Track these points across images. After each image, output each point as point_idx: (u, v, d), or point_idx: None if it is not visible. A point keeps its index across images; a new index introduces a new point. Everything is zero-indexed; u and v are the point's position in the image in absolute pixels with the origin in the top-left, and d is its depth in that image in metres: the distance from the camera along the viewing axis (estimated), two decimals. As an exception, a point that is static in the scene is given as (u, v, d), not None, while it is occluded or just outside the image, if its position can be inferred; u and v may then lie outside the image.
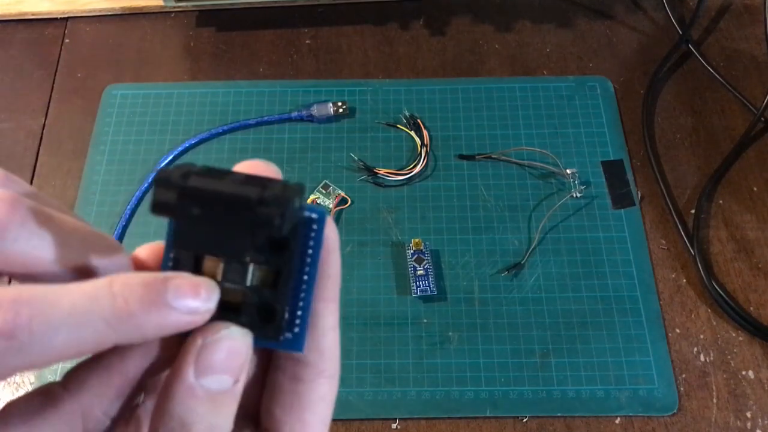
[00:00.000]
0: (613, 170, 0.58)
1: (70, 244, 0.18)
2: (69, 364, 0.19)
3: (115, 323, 0.17)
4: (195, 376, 0.18)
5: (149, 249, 0.21)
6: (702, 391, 0.49)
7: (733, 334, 0.51)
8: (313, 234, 0.20)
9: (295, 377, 0.21)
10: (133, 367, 0.20)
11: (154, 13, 0.67)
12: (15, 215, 0.17)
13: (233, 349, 0.19)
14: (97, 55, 0.65)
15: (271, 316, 0.20)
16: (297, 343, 0.20)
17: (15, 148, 0.59)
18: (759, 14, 0.65)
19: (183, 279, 0.18)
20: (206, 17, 0.67)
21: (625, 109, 0.61)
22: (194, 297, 0.18)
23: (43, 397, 0.19)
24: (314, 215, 0.20)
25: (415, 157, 0.58)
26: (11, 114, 0.61)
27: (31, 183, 0.57)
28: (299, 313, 0.20)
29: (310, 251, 0.20)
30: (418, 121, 0.59)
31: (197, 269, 0.20)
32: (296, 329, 0.20)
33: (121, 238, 0.54)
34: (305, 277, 0.20)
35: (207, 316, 0.18)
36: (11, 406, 0.18)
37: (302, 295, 0.20)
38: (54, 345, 0.16)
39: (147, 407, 0.21)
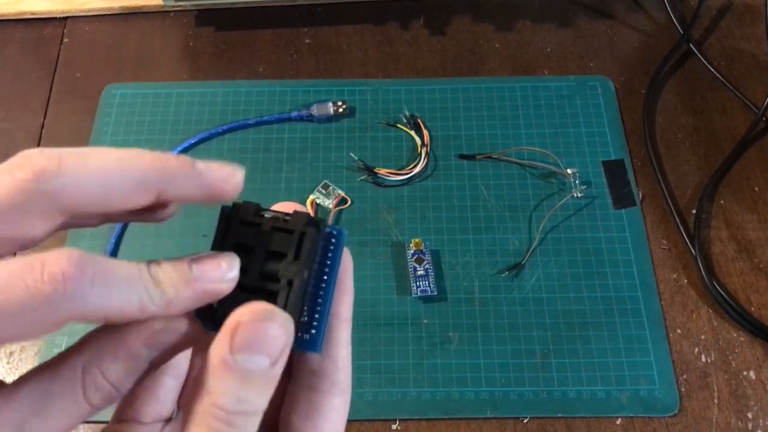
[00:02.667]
0: (613, 170, 0.57)
1: (131, 286, 0.19)
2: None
3: (154, 294, 0.19)
4: (230, 351, 0.19)
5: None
6: (703, 391, 0.49)
7: (734, 335, 0.51)
8: (331, 246, 0.23)
9: (312, 387, 0.23)
10: (144, 341, 0.20)
11: (153, 12, 0.67)
12: (83, 277, 0.18)
13: (271, 331, 0.19)
14: (96, 54, 0.65)
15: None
16: (314, 343, 0.22)
17: (14, 148, 0.58)
18: (760, 14, 0.65)
19: (204, 255, 0.21)
20: (206, 17, 0.67)
21: (626, 108, 0.61)
22: (216, 268, 0.20)
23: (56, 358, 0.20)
24: (335, 231, 0.23)
25: (415, 157, 0.58)
26: (10, 114, 0.61)
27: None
28: (317, 315, 0.22)
29: (328, 262, 0.23)
30: (418, 120, 0.59)
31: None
32: (313, 330, 0.22)
33: (120, 237, 0.54)
34: (323, 285, 0.22)
35: (231, 285, 0.20)
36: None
37: (320, 300, 0.22)
38: (106, 302, 0.18)
39: (152, 390, 0.23)
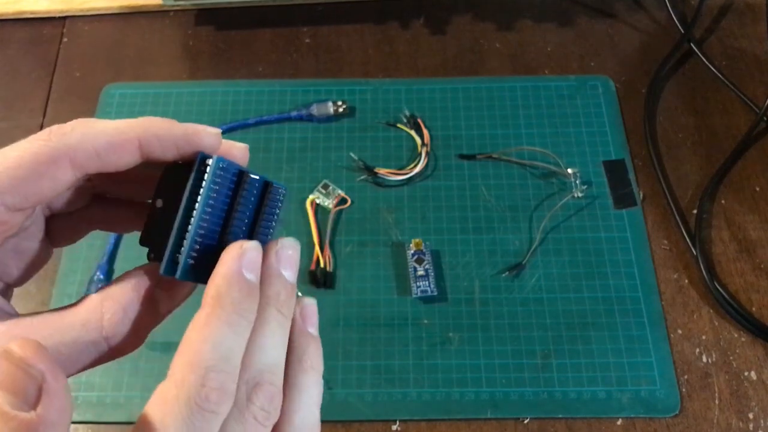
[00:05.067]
0: (614, 170, 0.57)
1: None
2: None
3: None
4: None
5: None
6: (704, 392, 0.48)
7: (735, 335, 0.51)
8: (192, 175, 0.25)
9: None
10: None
11: (152, 12, 0.67)
12: None
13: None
14: (96, 54, 0.64)
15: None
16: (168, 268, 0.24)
17: (13, 148, 0.59)
18: (761, 13, 0.65)
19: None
20: (205, 16, 0.67)
21: (627, 108, 0.61)
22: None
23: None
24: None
25: (415, 156, 0.58)
26: (9, 113, 0.61)
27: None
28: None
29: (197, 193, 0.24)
30: (419, 120, 0.59)
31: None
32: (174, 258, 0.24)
33: (119, 237, 0.54)
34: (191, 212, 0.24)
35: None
36: None
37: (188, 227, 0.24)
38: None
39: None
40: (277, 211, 0.27)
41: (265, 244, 0.25)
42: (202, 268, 0.24)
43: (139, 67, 0.64)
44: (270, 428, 0.23)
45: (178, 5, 0.65)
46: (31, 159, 0.22)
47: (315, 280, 0.52)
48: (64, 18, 0.67)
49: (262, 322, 0.23)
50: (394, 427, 0.48)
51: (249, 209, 0.26)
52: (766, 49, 0.64)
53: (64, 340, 0.22)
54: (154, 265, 0.24)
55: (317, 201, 0.55)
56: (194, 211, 0.24)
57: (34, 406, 0.18)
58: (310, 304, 0.26)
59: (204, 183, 0.24)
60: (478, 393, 0.48)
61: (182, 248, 0.24)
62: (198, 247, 0.24)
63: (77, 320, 0.22)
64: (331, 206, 0.55)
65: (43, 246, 0.27)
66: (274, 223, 0.27)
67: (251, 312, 0.23)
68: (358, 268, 0.53)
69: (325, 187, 0.56)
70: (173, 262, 0.24)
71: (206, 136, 0.25)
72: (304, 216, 0.54)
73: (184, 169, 0.24)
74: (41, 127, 0.60)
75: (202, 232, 0.24)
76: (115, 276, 0.52)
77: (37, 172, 0.22)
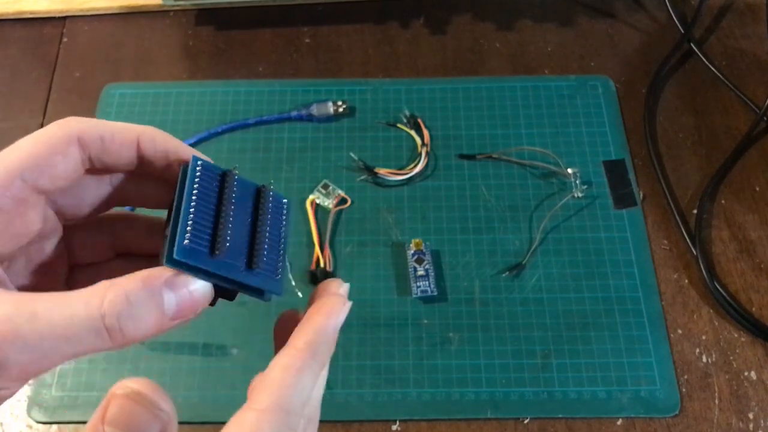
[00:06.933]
0: (614, 170, 0.57)
1: None
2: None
3: None
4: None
5: None
6: (704, 392, 0.48)
7: (735, 335, 0.51)
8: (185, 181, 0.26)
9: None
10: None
11: (152, 12, 0.67)
12: None
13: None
14: (96, 54, 0.64)
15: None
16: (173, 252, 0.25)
17: (13, 148, 0.59)
18: (761, 13, 0.65)
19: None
20: (205, 16, 0.67)
21: (627, 108, 0.61)
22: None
23: None
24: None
25: (415, 156, 0.58)
26: (9, 113, 0.61)
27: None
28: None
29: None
30: (419, 120, 0.59)
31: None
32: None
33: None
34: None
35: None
36: None
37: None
38: None
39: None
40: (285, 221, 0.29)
41: (284, 253, 0.28)
42: (213, 261, 0.25)
43: (139, 67, 0.64)
44: None
45: (178, 5, 0.65)
46: (46, 139, 0.25)
47: (315, 280, 0.52)
48: (64, 18, 0.67)
49: None
50: (394, 427, 0.48)
51: (270, 221, 0.28)
52: (766, 49, 0.64)
53: (64, 312, 0.22)
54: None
55: (317, 201, 0.55)
56: (182, 202, 0.25)
57: None
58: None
59: (188, 177, 0.26)
60: (478, 393, 0.48)
61: (177, 236, 0.25)
62: (190, 230, 0.25)
63: (80, 299, 0.22)
64: (331, 206, 0.55)
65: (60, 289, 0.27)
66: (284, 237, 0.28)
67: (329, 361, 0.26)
68: (358, 268, 0.53)
69: (325, 187, 0.56)
70: (174, 252, 0.24)
71: (195, 156, 0.27)
72: (304, 216, 0.54)
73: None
74: (41, 127, 0.60)
75: (191, 216, 0.25)
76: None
77: (51, 148, 0.25)
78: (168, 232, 0.25)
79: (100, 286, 0.23)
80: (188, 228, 0.25)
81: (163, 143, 0.27)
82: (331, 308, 0.27)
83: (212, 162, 0.27)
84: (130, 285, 0.23)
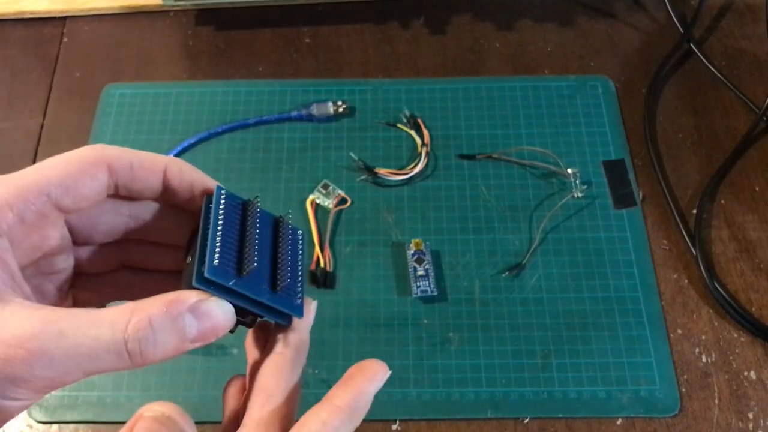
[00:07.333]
0: (614, 170, 0.57)
1: None
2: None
3: None
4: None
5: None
6: (704, 392, 0.48)
7: (735, 335, 0.51)
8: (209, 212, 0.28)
9: None
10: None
11: (153, 12, 0.67)
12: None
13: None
14: (96, 54, 0.64)
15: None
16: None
17: (13, 149, 0.59)
18: (761, 13, 0.65)
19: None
20: (205, 16, 0.67)
21: (627, 108, 0.61)
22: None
23: None
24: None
25: (415, 156, 0.58)
26: (9, 114, 0.61)
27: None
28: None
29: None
30: (419, 120, 0.59)
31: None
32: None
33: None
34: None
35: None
36: None
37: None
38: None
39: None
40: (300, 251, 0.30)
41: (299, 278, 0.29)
42: (241, 281, 0.26)
43: (139, 67, 0.64)
44: None
45: (178, 5, 0.65)
46: (77, 159, 0.26)
47: (315, 280, 0.52)
48: (65, 18, 0.67)
49: None
50: (394, 427, 0.48)
51: (289, 248, 0.29)
52: (766, 49, 0.64)
53: (90, 333, 0.22)
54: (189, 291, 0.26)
55: (317, 201, 0.55)
56: (209, 227, 0.27)
57: None
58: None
59: (212, 206, 0.27)
60: (478, 393, 0.48)
61: (206, 257, 0.26)
62: (219, 251, 0.26)
63: (107, 318, 0.23)
64: (331, 206, 0.55)
65: (64, 296, 0.28)
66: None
67: None
68: (358, 268, 0.53)
69: (325, 187, 0.56)
70: (204, 271, 0.25)
71: (219, 186, 0.28)
72: (304, 216, 0.55)
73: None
74: (41, 127, 0.60)
75: (219, 240, 0.26)
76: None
77: (81, 169, 0.26)
78: (193, 256, 0.26)
79: (125, 309, 0.24)
80: (217, 249, 0.26)
81: (189, 174, 0.28)
82: (375, 373, 0.27)
83: (234, 193, 0.29)
84: (153, 309, 0.24)
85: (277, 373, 0.27)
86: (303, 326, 0.29)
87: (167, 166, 0.28)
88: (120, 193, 0.27)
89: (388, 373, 0.28)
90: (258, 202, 0.29)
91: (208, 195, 0.28)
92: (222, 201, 0.28)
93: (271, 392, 0.26)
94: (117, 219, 0.29)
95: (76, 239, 0.28)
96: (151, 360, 0.24)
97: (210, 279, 0.25)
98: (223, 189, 0.28)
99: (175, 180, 0.28)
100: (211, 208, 0.27)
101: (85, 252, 0.29)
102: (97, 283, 0.30)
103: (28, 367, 0.21)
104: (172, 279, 0.28)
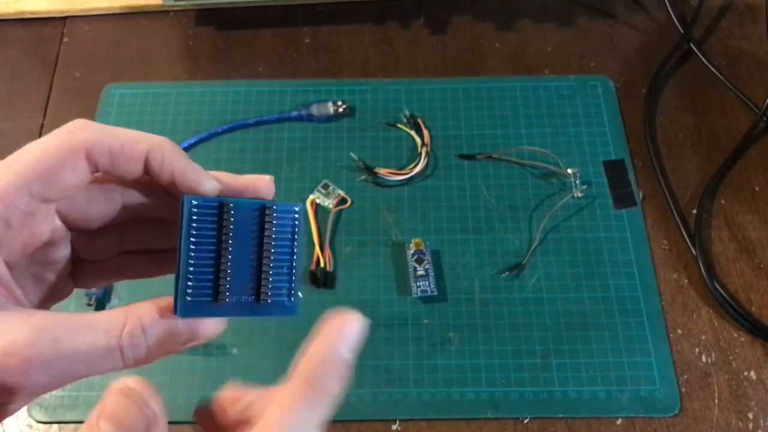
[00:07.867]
0: (614, 170, 0.57)
1: None
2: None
3: None
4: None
5: None
6: (703, 391, 0.48)
7: (735, 335, 0.51)
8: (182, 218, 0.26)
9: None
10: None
11: (153, 12, 0.67)
12: None
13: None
14: (96, 54, 0.64)
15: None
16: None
17: (13, 149, 0.58)
18: (761, 13, 0.65)
19: None
20: (205, 16, 0.67)
21: (627, 108, 0.61)
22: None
23: None
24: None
25: (415, 156, 0.58)
26: (9, 114, 0.61)
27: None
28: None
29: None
30: (419, 120, 0.59)
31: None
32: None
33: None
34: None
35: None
36: None
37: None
38: None
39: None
40: (291, 233, 0.27)
41: (290, 268, 0.27)
42: (218, 308, 0.25)
43: (139, 67, 0.64)
44: None
45: (178, 5, 0.65)
46: (54, 150, 0.25)
47: (315, 280, 0.52)
48: (65, 18, 0.67)
49: None
50: (394, 427, 0.48)
51: (276, 241, 0.27)
52: (766, 49, 0.64)
53: (86, 340, 0.23)
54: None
55: (317, 201, 0.55)
56: (181, 252, 0.25)
57: None
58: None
59: (183, 223, 0.25)
60: (478, 393, 0.48)
61: (179, 288, 0.25)
62: (192, 284, 0.25)
63: (101, 325, 0.23)
64: (331, 206, 0.55)
65: (65, 282, 0.28)
66: (296, 249, 0.27)
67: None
68: (358, 268, 0.53)
69: (325, 187, 0.56)
70: (177, 309, 0.25)
71: (205, 180, 0.26)
72: (304, 216, 0.54)
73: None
74: (41, 127, 0.60)
75: (191, 269, 0.25)
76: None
77: (60, 161, 0.25)
78: (175, 275, 0.25)
79: (118, 315, 0.24)
80: (189, 280, 0.25)
81: (170, 163, 0.26)
82: (336, 330, 0.25)
83: (208, 198, 0.26)
84: (146, 317, 0.24)
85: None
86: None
87: (148, 154, 0.26)
88: (105, 176, 0.27)
89: (358, 323, 0.25)
90: (232, 205, 0.26)
91: (182, 198, 0.25)
92: (194, 215, 0.25)
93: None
94: (110, 206, 0.28)
95: (72, 228, 0.28)
96: (144, 362, 0.24)
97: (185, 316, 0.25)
98: (194, 199, 0.25)
99: (155, 168, 0.26)
100: (182, 222, 0.25)
101: (83, 241, 0.29)
102: (98, 269, 0.29)
103: (25, 374, 0.22)
104: (173, 257, 0.27)
